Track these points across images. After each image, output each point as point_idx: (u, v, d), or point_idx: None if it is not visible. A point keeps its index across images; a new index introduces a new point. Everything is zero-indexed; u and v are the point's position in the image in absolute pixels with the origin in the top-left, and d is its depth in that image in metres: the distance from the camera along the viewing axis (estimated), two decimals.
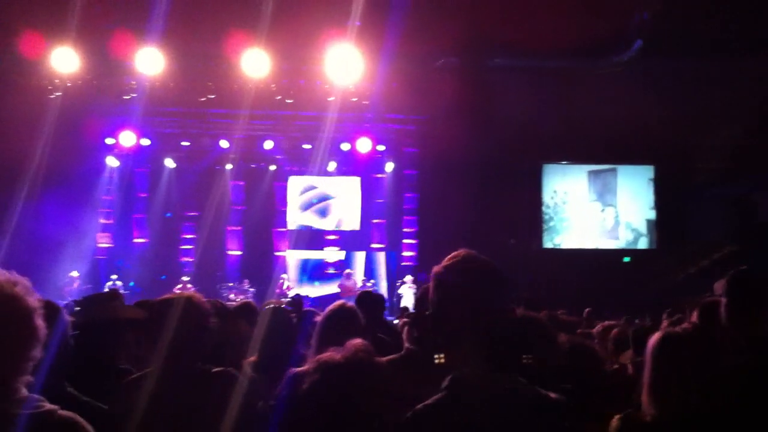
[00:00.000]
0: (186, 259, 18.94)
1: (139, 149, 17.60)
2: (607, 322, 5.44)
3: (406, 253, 18.75)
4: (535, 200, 18.22)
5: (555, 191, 18.40)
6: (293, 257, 19.23)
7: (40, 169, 13.77)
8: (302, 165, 18.70)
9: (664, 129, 15.94)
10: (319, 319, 3.66)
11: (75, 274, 16.20)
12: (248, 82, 13.65)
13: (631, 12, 14.00)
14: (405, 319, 5.44)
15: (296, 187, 19.60)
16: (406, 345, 3.98)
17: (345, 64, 12.38)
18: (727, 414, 2.34)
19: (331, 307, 3.70)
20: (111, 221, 18.34)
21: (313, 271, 19.15)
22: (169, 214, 19.14)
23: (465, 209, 15.24)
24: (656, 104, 14.90)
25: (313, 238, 19.47)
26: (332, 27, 12.13)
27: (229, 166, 18.96)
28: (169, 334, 2.62)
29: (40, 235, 14.89)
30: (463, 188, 15.34)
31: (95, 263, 17.60)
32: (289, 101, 15.41)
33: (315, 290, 18.19)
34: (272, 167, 19.37)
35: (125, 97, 15.35)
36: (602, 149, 17.45)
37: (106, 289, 14.04)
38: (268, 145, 17.75)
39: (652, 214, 18.28)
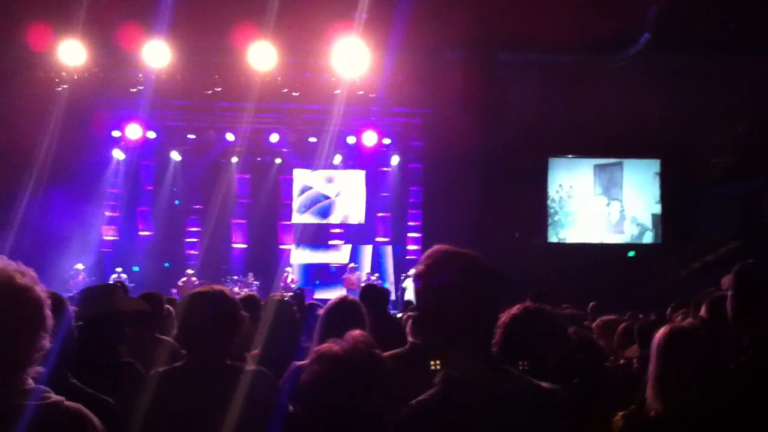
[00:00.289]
0: (191, 251, 18.99)
1: (145, 142, 17.63)
2: (606, 317, 5.41)
3: (411, 247, 18.75)
4: (540, 194, 18.16)
5: (560, 185, 18.34)
6: (297, 259, 19.20)
7: (46, 162, 13.80)
8: (308, 158, 18.72)
9: (670, 124, 15.87)
10: (321, 312, 3.67)
11: (80, 266, 16.25)
12: (254, 75, 13.62)
13: (638, 7, 13.93)
14: (409, 313, 5.46)
15: (296, 184, 19.61)
16: (410, 339, 3.98)
17: (351, 57, 12.35)
18: (728, 412, 2.34)
19: (334, 300, 3.70)
20: (117, 214, 18.38)
21: (318, 274, 19.16)
22: (177, 202, 19.21)
23: (470, 203, 15.22)
24: (663, 99, 14.83)
25: (318, 232, 19.50)
26: (339, 20, 12.10)
27: (234, 159, 18.99)
28: (204, 328, 2.60)
29: (46, 228, 14.92)
30: (468, 182, 15.32)
31: (101, 256, 17.66)
32: (295, 94, 15.38)
33: (319, 294, 18.11)
34: (278, 160, 19.39)
35: (132, 90, 15.33)
36: (608, 143, 17.38)
37: (111, 282, 14.09)
38: (274, 138, 17.76)
39: (657, 209, 18.21)
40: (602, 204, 18.37)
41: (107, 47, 13.25)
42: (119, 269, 17.11)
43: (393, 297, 15.53)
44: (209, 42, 13.60)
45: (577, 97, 15.53)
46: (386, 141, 18.02)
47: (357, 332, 2.13)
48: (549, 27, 12.75)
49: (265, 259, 18.69)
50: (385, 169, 19.24)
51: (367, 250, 19.37)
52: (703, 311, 3.65)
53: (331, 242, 19.46)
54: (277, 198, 19.58)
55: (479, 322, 1.93)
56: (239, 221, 19.37)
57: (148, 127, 17.19)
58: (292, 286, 16.59)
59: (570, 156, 18.46)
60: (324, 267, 19.28)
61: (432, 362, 2.96)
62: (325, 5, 12.07)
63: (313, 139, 17.90)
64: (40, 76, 14.19)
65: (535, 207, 18.06)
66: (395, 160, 19.02)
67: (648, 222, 18.24)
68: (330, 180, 19.73)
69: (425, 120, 17.52)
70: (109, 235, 18.17)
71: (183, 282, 16.36)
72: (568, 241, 18.20)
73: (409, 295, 15.34)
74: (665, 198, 18.03)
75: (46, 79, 14.27)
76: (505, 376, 1.93)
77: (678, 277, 15.49)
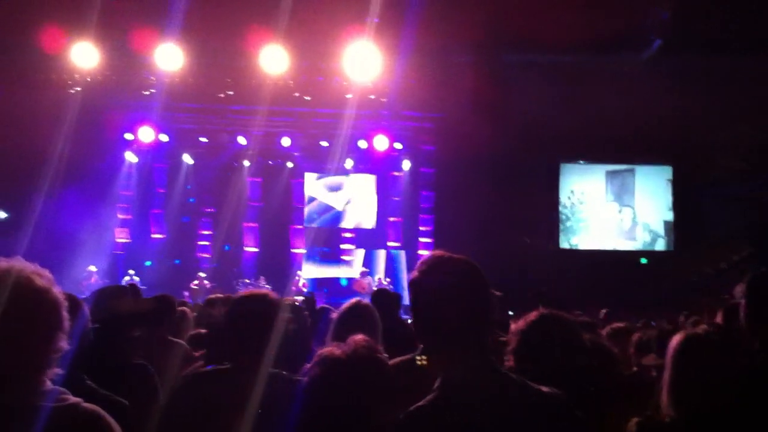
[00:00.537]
0: (203, 254, 19.05)
1: (157, 145, 17.71)
2: (616, 324, 5.38)
3: (422, 252, 18.72)
4: (552, 200, 18.12)
5: (572, 191, 18.29)
6: (308, 273, 19.19)
7: (59, 164, 13.86)
8: (319, 162, 18.75)
9: (682, 127, 15.79)
10: (334, 316, 3.67)
11: (93, 268, 16.31)
12: (266, 78, 13.66)
13: (650, 8, 13.88)
14: None
15: (308, 189, 19.64)
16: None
17: (363, 61, 12.36)
18: (740, 417, 2.33)
19: (346, 304, 3.70)
20: (129, 216, 18.48)
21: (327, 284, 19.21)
22: (191, 200, 19.28)
23: (481, 208, 15.19)
24: (675, 102, 14.75)
25: (330, 237, 19.52)
26: (350, 24, 12.11)
27: (246, 163, 19.06)
28: (254, 332, 2.63)
29: (59, 230, 15.00)
30: (479, 186, 15.28)
31: (114, 258, 17.74)
32: (307, 98, 15.41)
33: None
34: (289, 164, 19.43)
35: (144, 93, 15.42)
36: (620, 148, 17.32)
37: (123, 284, 14.14)
38: (286, 142, 17.79)
39: (669, 216, 18.13)
40: (614, 210, 18.30)
41: (120, 50, 13.33)
42: (132, 271, 17.17)
43: (406, 302, 15.48)
44: (221, 45, 13.66)
45: (588, 100, 15.46)
46: (397, 145, 18.02)
47: (360, 336, 2.13)
48: (560, 29, 12.73)
49: (277, 263, 18.72)
50: (396, 173, 19.23)
51: (380, 255, 19.37)
52: (718, 318, 3.64)
53: (342, 246, 19.46)
54: (289, 201, 19.62)
55: (473, 324, 1.94)
56: (251, 224, 19.41)
57: (160, 129, 17.26)
58: (304, 290, 16.60)
59: (581, 162, 18.41)
60: (334, 279, 19.28)
61: (418, 357, 2.96)
62: (337, 10, 12.08)
63: (324, 143, 17.93)
64: (53, 78, 14.29)
65: (547, 212, 18.03)
66: (406, 164, 19.01)
67: (660, 229, 18.16)
68: (336, 188, 19.68)
69: (436, 124, 17.52)
70: (122, 237, 18.25)
71: (195, 285, 16.41)
72: (581, 247, 18.14)
73: None
74: (677, 205, 17.95)
75: (59, 81, 14.37)
76: (503, 379, 1.94)
77: (690, 283, 15.41)
